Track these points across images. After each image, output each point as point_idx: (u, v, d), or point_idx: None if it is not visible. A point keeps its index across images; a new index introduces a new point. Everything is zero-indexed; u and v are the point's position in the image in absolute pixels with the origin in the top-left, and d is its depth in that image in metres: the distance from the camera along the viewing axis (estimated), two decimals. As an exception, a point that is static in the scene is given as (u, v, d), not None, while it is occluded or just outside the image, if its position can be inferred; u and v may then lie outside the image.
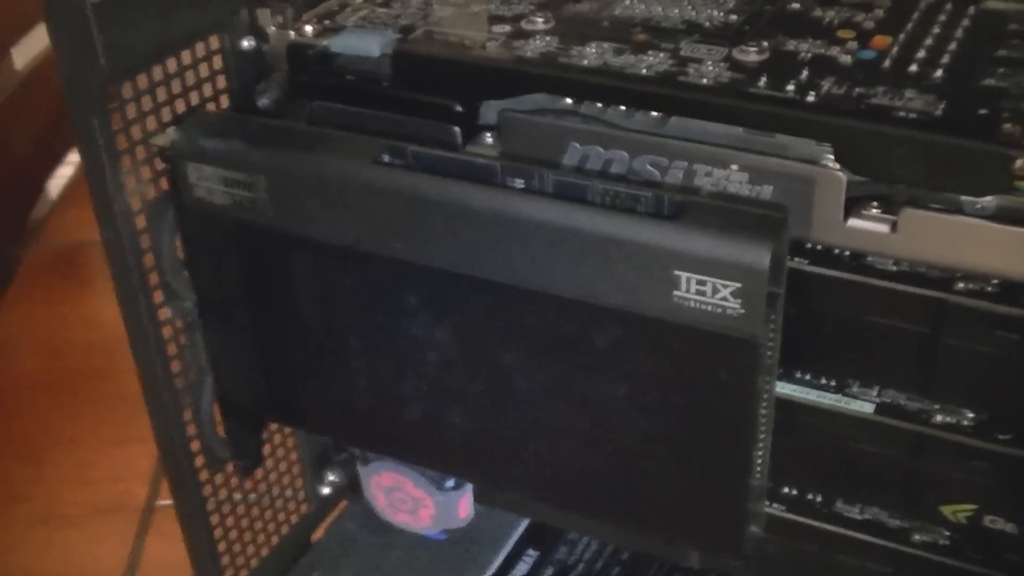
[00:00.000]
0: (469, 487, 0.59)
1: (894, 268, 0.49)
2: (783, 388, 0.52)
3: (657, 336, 0.46)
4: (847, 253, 0.49)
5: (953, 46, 0.51)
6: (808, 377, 0.52)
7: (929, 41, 0.51)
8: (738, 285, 0.44)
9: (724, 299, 0.44)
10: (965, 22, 0.52)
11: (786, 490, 0.55)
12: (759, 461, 0.49)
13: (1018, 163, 0.43)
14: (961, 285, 0.47)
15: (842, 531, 0.55)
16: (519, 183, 0.48)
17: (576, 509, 0.54)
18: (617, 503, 0.52)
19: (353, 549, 0.67)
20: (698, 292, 0.45)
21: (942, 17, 0.53)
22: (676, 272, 0.45)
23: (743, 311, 0.44)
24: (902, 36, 0.51)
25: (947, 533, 0.53)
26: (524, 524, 0.67)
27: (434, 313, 0.51)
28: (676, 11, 0.55)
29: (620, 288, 0.46)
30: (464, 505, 0.59)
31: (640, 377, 0.48)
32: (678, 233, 0.44)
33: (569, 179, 0.47)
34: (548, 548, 0.65)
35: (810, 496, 0.55)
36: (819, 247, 0.49)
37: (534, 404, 0.51)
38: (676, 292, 0.45)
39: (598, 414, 0.50)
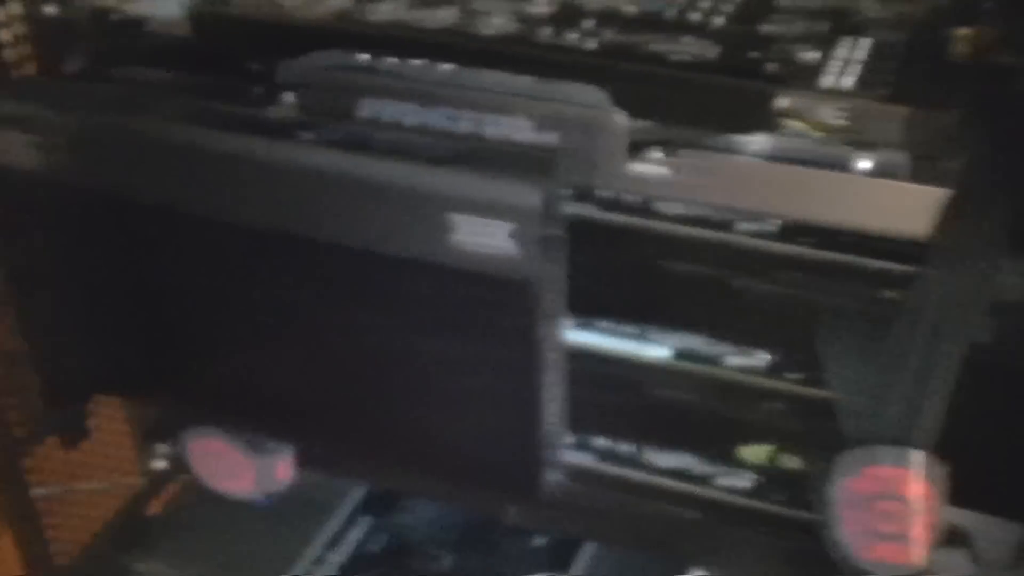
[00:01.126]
0: (287, 451, 0.59)
1: (683, 212, 0.49)
2: (583, 337, 0.52)
3: (441, 283, 0.47)
4: (638, 199, 0.49)
5: (739, -3, 0.52)
6: (606, 326, 0.53)
7: (717, -7, 0.52)
8: (512, 226, 0.44)
9: (500, 240, 0.45)
10: (754, -25, 0.53)
11: (597, 441, 0.56)
12: (551, 407, 0.50)
13: (780, 100, 0.44)
14: (744, 226, 0.48)
15: (652, 479, 0.55)
16: (306, 136, 0.48)
17: (386, 463, 0.55)
18: (421, 455, 0.53)
19: (189, 523, 0.66)
20: (474, 235, 0.45)
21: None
22: (452, 215, 0.45)
23: (518, 252, 0.45)
24: (691, -12, 0.52)
25: (748, 475, 0.53)
26: (361, 492, 0.67)
27: (238, 270, 0.51)
28: (476, -30, 0.55)
29: (402, 235, 0.46)
30: (283, 467, 0.59)
31: (430, 326, 0.48)
32: (452, 177, 0.45)
33: (350, 129, 0.47)
34: (383, 514, 0.65)
35: (620, 446, 0.56)
36: (610, 195, 0.49)
37: (333, 359, 0.51)
38: (454, 236, 0.45)
39: (395, 366, 0.50)
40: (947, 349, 0.41)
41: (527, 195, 0.44)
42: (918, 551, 0.42)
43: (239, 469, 0.59)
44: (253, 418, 0.55)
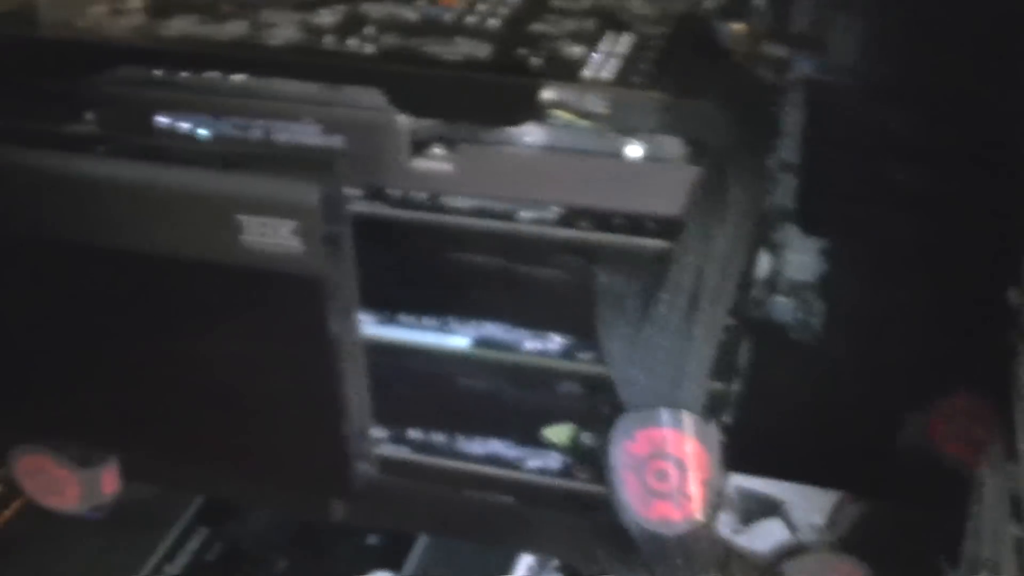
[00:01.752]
0: (112, 461, 0.60)
1: (471, 205, 0.51)
2: (385, 332, 0.54)
3: (237, 286, 0.49)
4: (425, 196, 0.52)
5: (516, 1, 0.54)
6: (407, 320, 0.55)
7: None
8: (295, 223, 0.46)
9: (285, 238, 0.47)
10: (529, -20, 0.56)
11: (411, 434, 0.58)
12: (356, 401, 0.52)
13: (543, 93, 0.47)
14: (525, 215, 0.50)
15: (465, 466, 0.57)
16: (102, 149, 0.50)
17: (205, 469, 0.56)
18: (233, 459, 0.54)
19: (24, 542, 0.66)
20: (261, 234, 0.47)
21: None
22: (239, 216, 0.47)
23: (304, 248, 0.47)
24: (471, -5, 0.55)
25: (555, 456, 0.56)
26: (198, 502, 0.68)
27: (44, 282, 0.52)
28: (266, -13, 0.57)
29: (196, 239, 0.48)
30: (108, 479, 0.60)
31: (231, 329, 0.50)
32: (236, 179, 0.47)
33: (146, 141, 0.49)
34: (219, 523, 0.66)
35: (433, 437, 0.58)
36: (400, 193, 0.52)
37: (143, 367, 0.52)
38: (242, 237, 0.47)
39: (201, 371, 0.52)
40: (704, 319, 0.44)
41: (306, 193, 0.46)
42: (695, 507, 0.45)
43: (64, 484, 0.60)
44: (72, 430, 0.56)
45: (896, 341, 0.66)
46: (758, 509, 0.66)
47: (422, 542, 0.66)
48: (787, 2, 0.62)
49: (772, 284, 0.66)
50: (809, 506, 0.69)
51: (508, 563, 0.64)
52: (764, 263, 0.64)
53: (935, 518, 0.60)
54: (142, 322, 0.51)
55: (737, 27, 0.55)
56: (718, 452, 0.46)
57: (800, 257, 0.65)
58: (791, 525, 0.67)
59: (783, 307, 0.66)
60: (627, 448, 0.45)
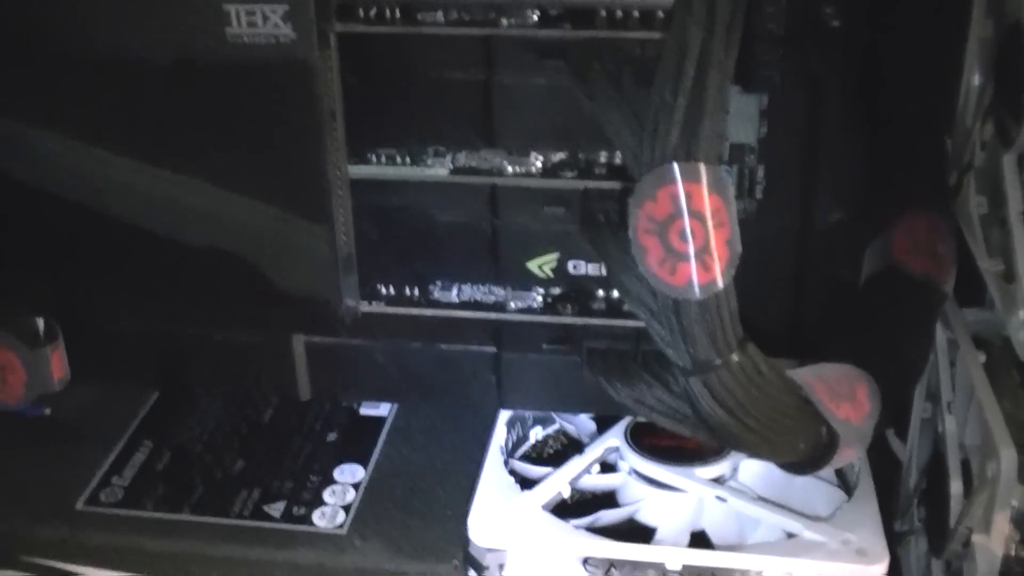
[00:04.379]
0: (60, 341, 0.56)
1: (442, 19, 0.50)
2: (360, 170, 0.52)
3: (224, 81, 0.46)
4: (398, 14, 0.50)
5: None
6: (383, 158, 0.53)
7: None
8: (285, 7, 0.44)
9: (275, 25, 0.45)
10: None
11: (383, 289, 0.56)
12: (342, 223, 0.49)
13: None
14: (505, 21, 0.49)
15: (444, 314, 0.55)
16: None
17: (180, 309, 0.52)
18: (223, 308, 0.51)
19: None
20: (250, 24, 0.45)
21: None
22: (225, 6, 0.45)
23: (295, 35, 0.45)
24: None
25: (539, 290, 0.54)
26: (139, 415, 0.64)
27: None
28: None
29: (179, 38, 0.45)
30: (58, 362, 0.55)
31: (219, 137, 0.47)
32: (220, -35, 0.45)
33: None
34: (163, 435, 0.62)
35: (407, 289, 0.56)
36: (372, 12, 0.50)
37: (128, 208, 0.49)
38: (229, 29, 0.45)
39: (189, 192, 0.48)
40: (713, 77, 0.44)
41: (297, -28, 0.44)
42: (719, 268, 0.44)
43: (7, 371, 0.55)
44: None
45: (845, 196, 0.67)
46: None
47: (385, 434, 0.63)
48: None
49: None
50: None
51: (478, 448, 0.62)
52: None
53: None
54: (119, 137, 0.48)
55: None
56: (735, 208, 0.45)
57: (738, 119, 0.65)
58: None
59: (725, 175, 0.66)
60: (648, 211, 0.44)
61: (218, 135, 0.46)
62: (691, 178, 0.43)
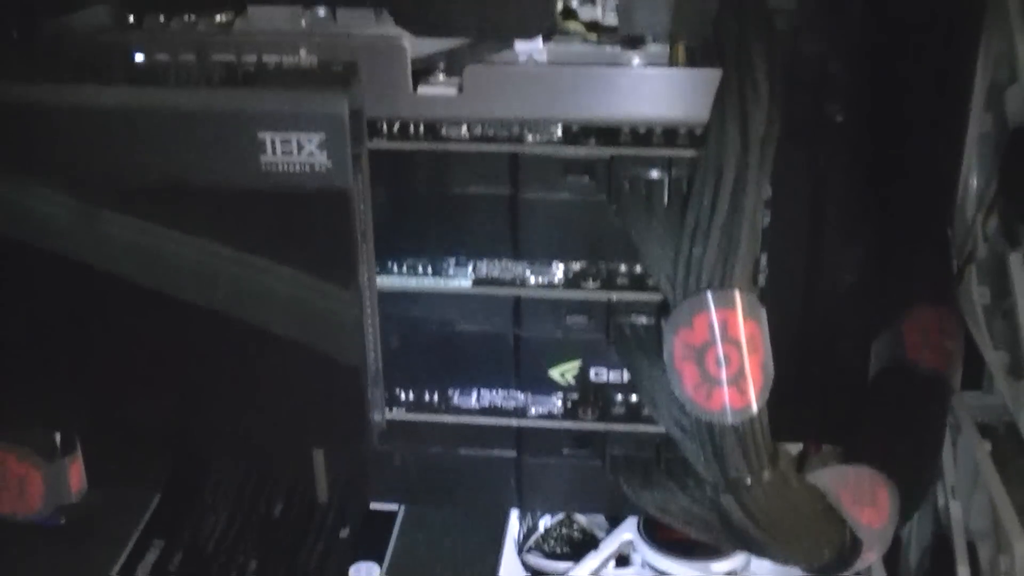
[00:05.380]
0: (78, 453, 0.55)
1: (467, 135, 0.50)
2: (381, 281, 0.52)
3: (258, 212, 0.46)
4: (422, 130, 0.50)
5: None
6: (405, 268, 0.53)
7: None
8: (322, 136, 0.45)
9: (310, 154, 0.45)
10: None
11: (403, 394, 0.56)
12: (371, 337, 0.49)
13: (559, 1, 0.47)
14: (531, 138, 0.50)
15: (465, 420, 0.55)
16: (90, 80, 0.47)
17: (212, 433, 0.52)
18: (247, 420, 0.51)
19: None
20: (284, 152, 0.45)
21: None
22: (260, 134, 0.45)
23: (331, 164, 0.45)
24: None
25: (560, 397, 0.55)
26: (147, 515, 0.63)
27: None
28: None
29: (211, 165, 0.45)
30: (76, 474, 0.55)
31: (250, 260, 0.47)
32: (256, 95, 0.45)
33: (142, 66, 0.46)
34: (174, 534, 0.62)
35: (427, 395, 0.56)
36: (396, 127, 0.50)
37: (152, 324, 0.49)
38: (263, 157, 0.45)
39: (214, 314, 0.48)
40: (748, 200, 0.45)
41: (336, 102, 0.44)
42: (753, 393, 0.45)
43: (26, 483, 0.55)
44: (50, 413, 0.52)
45: (848, 283, 0.68)
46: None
47: (398, 529, 0.63)
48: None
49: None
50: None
51: (492, 541, 0.62)
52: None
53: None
54: (152, 263, 0.47)
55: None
56: (768, 334, 0.46)
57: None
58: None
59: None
60: (683, 338, 0.45)
61: (251, 259, 0.46)
62: (727, 305, 0.44)
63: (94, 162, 0.46)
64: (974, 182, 0.64)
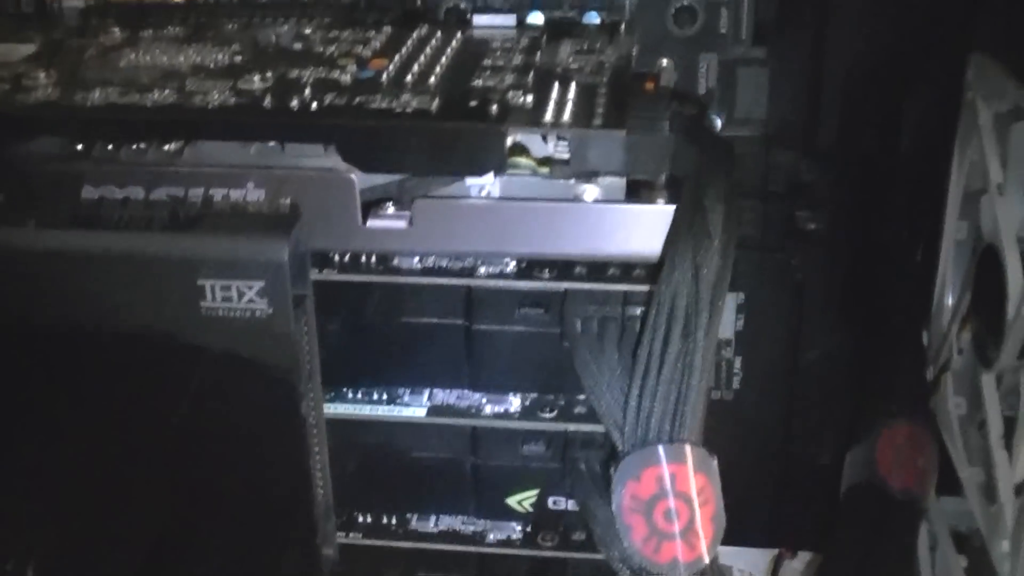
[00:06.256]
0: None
1: (419, 266, 0.50)
2: (336, 408, 0.51)
3: (197, 354, 0.45)
4: (374, 261, 0.50)
5: (444, 61, 0.53)
6: (359, 394, 0.52)
7: (423, 59, 0.54)
8: (261, 283, 0.44)
9: (251, 301, 0.44)
10: (453, 44, 0.55)
11: (360, 518, 0.55)
12: (319, 475, 0.48)
13: (509, 139, 0.46)
14: (483, 270, 0.49)
15: (423, 546, 0.54)
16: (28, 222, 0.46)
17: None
18: (198, 551, 0.50)
19: None
20: (224, 299, 0.44)
21: (433, 43, 0.56)
22: (200, 281, 0.44)
23: (271, 310, 0.44)
24: (398, 58, 0.54)
25: (519, 525, 0.54)
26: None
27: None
28: (181, 58, 0.55)
29: (151, 310, 0.44)
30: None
31: (187, 405, 0.46)
32: (195, 241, 0.44)
33: (84, 207, 0.45)
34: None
35: (384, 519, 0.55)
36: (347, 258, 0.49)
37: (95, 461, 0.48)
38: (203, 303, 0.44)
39: (163, 453, 0.47)
40: (697, 348, 0.43)
41: (275, 249, 0.43)
42: (704, 545, 0.44)
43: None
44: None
45: (821, 387, 0.67)
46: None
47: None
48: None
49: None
50: (747, 566, 0.69)
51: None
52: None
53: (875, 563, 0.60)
54: (90, 408, 0.47)
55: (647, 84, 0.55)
56: (719, 485, 0.45)
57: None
58: (738, 587, 0.66)
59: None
60: (632, 491, 0.44)
61: (196, 400, 0.45)
62: (677, 460, 0.43)
63: (35, 304, 0.45)
64: (948, 291, 0.63)
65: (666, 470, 0.43)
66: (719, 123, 0.63)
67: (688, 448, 0.43)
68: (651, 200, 0.47)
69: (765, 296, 0.66)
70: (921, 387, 0.61)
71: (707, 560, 0.44)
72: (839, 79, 0.63)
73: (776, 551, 0.67)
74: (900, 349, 0.62)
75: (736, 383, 0.65)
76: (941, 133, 0.60)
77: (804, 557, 0.67)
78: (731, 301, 0.64)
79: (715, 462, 0.44)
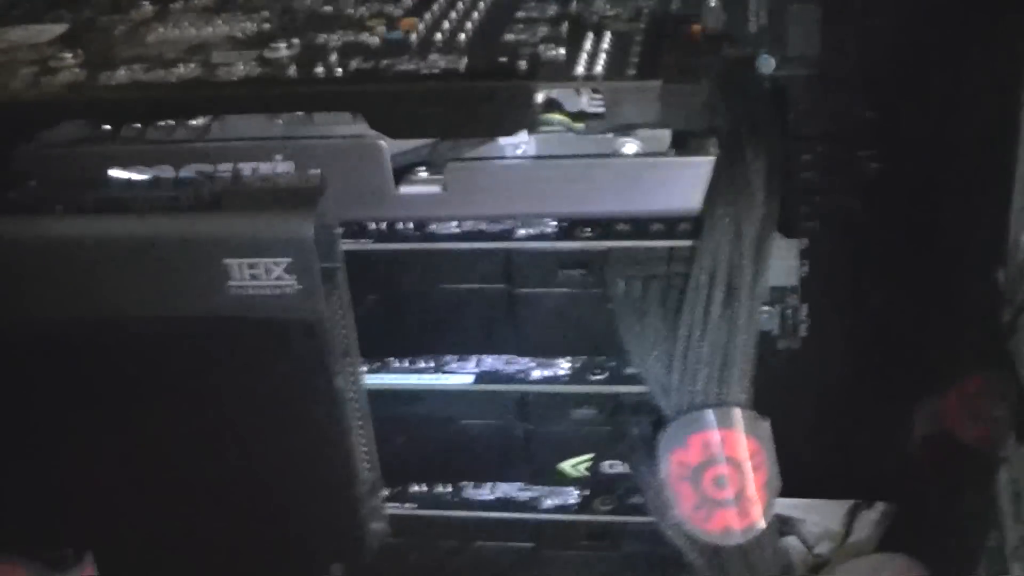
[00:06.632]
0: (88, 566, 0.54)
1: (458, 230, 0.48)
2: (382, 379, 0.50)
3: (229, 339, 0.44)
4: (410, 228, 0.48)
5: (477, 16, 0.52)
6: (402, 365, 0.51)
7: (455, 16, 0.52)
8: (289, 260, 0.43)
9: (279, 278, 0.43)
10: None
11: (414, 488, 0.54)
12: (363, 451, 0.47)
13: (537, 96, 0.44)
14: (521, 232, 0.47)
15: (478, 515, 0.53)
16: (57, 208, 0.45)
17: (202, 550, 0.51)
18: (236, 535, 0.49)
19: None
20: (252, 277, 0.43)
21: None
22: (226, 260, 0.43)
23: (300, 287, 0.43)
24: (429, 16, 0.52)
25: (574, 490, 0.52)
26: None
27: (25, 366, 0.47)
28: (210, 29, 0.54)
29: (176, 295, 0.44)
30: (85, 584, 0.54)
31: (226, 391, 0.46)
32: (220, 221, 0.43)
33: (103, 195, 0.45)
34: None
35: (439, 488, 0.54)
36: (384, 226, 0.48)
37: (130, 444, 0.47)
38: (231, 283, 0.43)
39: (198, 440, 0.47)
40: (742, 307, 0.41)
41: (300, 226, 0.42)
42: (758, 511, 0.42)
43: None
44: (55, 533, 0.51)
45: (891, 334, 0.64)
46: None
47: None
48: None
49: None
50: (821, 519, 0.66)
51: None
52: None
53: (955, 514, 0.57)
54: (124, 396, 0.46)
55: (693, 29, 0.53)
56: (772, 449, 0.43)
57: (779, 263, 0.63)
58: (806, 541, 0.64)
59: (768, 317, 0.64)
60: (679, 458, 0.42)
61: (227, 385, 0.44)
62: (726, 424, 0.41)
63: (64, 291, 0.44)
64: (1025, 225, 0.59)
65: (715, 435, 0.41)
66: (772, 64, 0.60)
67: (737, 411, 0.41)
68: (700, 152, 0.44)
69: (829, 241, 0.63)
70: (997, 329, 0.58)
71: (763, 524, 0.42)
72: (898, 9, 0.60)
73: (851, 502, 0.65)
74: (973, 289, 0.60)
75: (804, 331, 0.63)
76: (1012, 63, 0.57)
77: (880, 507, 0.65)
78: (794, 247, 0.61)
79: (767, 424, 0.42)
